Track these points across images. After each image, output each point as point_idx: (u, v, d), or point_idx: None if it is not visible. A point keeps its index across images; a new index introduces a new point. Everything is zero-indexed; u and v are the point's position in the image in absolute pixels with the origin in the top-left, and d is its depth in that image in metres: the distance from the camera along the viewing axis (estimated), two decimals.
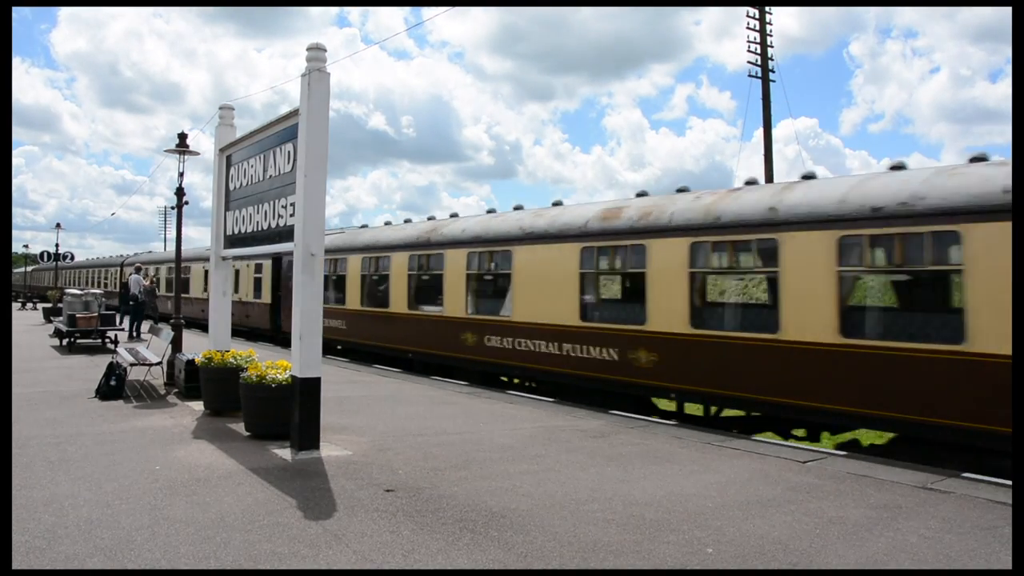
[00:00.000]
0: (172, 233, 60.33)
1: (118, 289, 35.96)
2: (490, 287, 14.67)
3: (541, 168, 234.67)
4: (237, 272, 25.16)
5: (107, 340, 19.51)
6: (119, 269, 39.52)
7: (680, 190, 11.88)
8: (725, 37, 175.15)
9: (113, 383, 11.20)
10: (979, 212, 7.70)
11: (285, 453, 7.70)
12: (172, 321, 13.77)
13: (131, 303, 22.51)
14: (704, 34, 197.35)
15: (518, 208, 14.99)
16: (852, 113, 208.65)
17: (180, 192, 14.03)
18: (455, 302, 14.72)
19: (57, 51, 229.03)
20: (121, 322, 21.80)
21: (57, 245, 39.83)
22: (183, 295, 27.55)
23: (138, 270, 24.52)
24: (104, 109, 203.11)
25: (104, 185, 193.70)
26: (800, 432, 10.26)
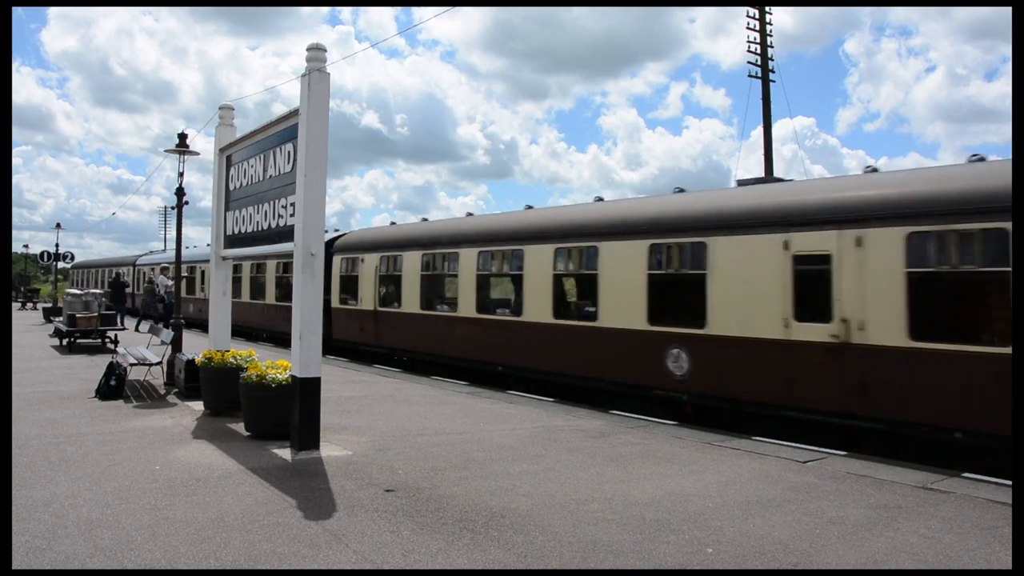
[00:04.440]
0: (171, 233, 60.34)
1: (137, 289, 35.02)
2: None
3: (537, 168, 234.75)
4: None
5: (107, 340, 19.51)
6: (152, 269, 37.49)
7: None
8: (720, 34, 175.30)
9: (113, 383, 11.21)
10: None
11: (285, 453, 7.70)
12: (172, 321, 13.77)
13: (159, 303, 23.42)
14: (699, 32, 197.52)
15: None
16: (848, 112, 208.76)
17: (180, 192, 14.02)
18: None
19: (48, 50, 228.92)
20: (122, 322, 21.83)
21: (57, 245, 39.71)
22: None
23: (164, 271, 24.68)
24: (97, 108, 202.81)
25: (100, 185, 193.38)
26: None
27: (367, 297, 18.18)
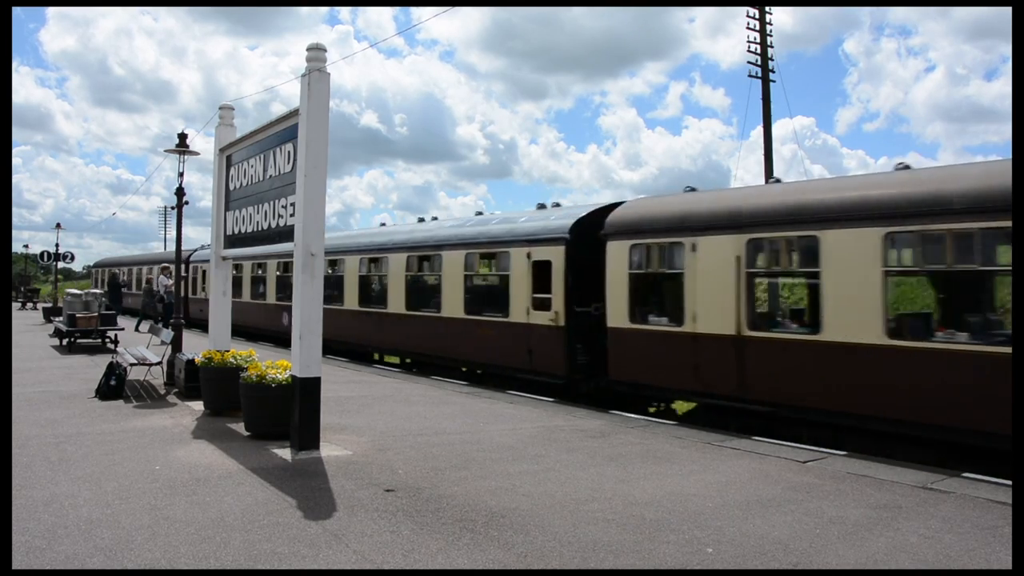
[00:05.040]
0: (171, 233, 60.16)
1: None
2: None
3: (537, 167, 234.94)
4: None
5: (107, 340, 19.51)
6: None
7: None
8: (719, 34, 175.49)
9: (113, 383, 11.21)
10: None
11: (285, 453, 7.70)
12: (172, 321, 13.77)
13: (159, 303, 23.56)
14: (698, 31, 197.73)
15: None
16: (847, 112, 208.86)
17: (180, 192, 14.02)
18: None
19: (46, 50, 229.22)
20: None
21: (57, 245, 39.60)
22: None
23: (164, 270, 24.77)
24: (96, 108, 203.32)
25: (100, 185, 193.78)
26: None
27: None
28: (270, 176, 9.19)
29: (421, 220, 18.83)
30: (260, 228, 9.54)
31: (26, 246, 71.40)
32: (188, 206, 14.66)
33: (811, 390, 9.24)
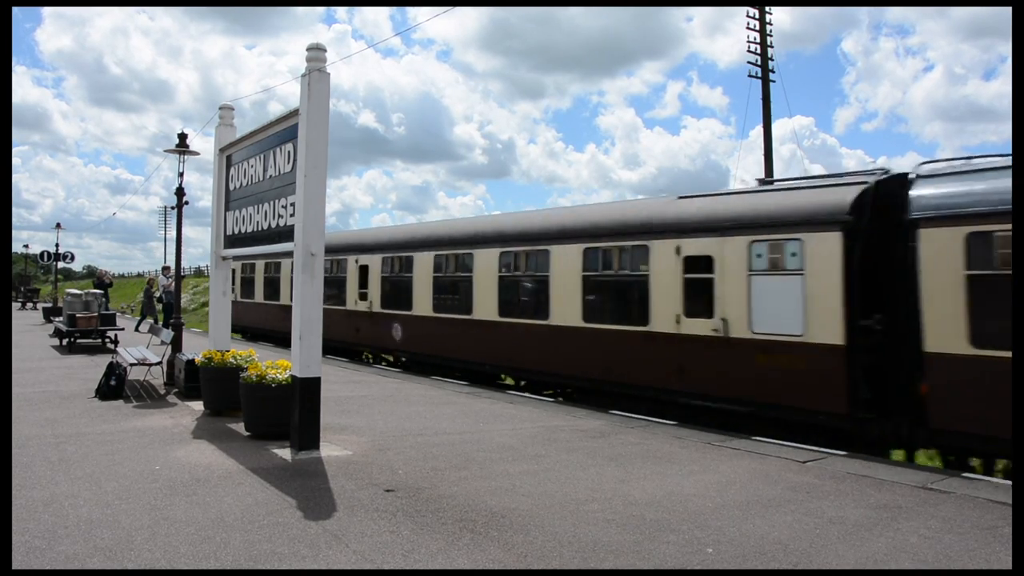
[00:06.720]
0: (171, 233, 60.16)
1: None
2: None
3: (535, 167, 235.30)
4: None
5: (107, 340, 19.51)
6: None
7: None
8: (717, 33, 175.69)
9: (113, 383, 11.21)
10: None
11: (285, 453, 7.70)
12: (172, 321, 13.75)
13: (159, 302, 23.85)
14: (696, 30, 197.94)
15: None
16: (846, 112, 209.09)
17: (180, 192, 14.00)
18: None
19: (43, 49, 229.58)
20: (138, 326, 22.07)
21: (57, 245, 39.59)
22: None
23: (164, 271, 24.88)
24: (94, 108, 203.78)
25: (98, 184, 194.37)
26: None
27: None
28: (270, 176, 9.19)
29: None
30: (260, 228, 9.54)
31: (26, 246, 71.38)
32: (188, 206, 14.62)
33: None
